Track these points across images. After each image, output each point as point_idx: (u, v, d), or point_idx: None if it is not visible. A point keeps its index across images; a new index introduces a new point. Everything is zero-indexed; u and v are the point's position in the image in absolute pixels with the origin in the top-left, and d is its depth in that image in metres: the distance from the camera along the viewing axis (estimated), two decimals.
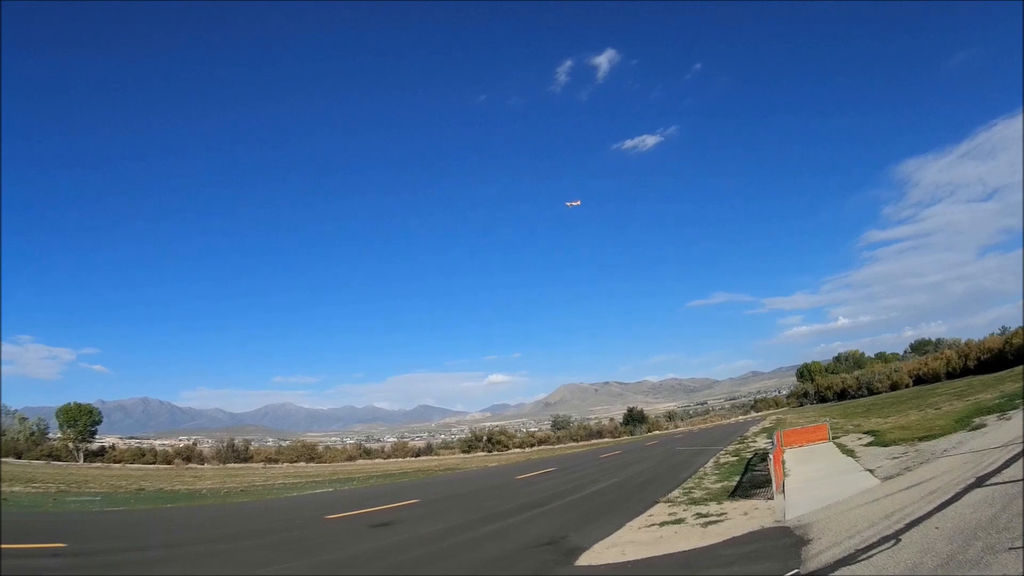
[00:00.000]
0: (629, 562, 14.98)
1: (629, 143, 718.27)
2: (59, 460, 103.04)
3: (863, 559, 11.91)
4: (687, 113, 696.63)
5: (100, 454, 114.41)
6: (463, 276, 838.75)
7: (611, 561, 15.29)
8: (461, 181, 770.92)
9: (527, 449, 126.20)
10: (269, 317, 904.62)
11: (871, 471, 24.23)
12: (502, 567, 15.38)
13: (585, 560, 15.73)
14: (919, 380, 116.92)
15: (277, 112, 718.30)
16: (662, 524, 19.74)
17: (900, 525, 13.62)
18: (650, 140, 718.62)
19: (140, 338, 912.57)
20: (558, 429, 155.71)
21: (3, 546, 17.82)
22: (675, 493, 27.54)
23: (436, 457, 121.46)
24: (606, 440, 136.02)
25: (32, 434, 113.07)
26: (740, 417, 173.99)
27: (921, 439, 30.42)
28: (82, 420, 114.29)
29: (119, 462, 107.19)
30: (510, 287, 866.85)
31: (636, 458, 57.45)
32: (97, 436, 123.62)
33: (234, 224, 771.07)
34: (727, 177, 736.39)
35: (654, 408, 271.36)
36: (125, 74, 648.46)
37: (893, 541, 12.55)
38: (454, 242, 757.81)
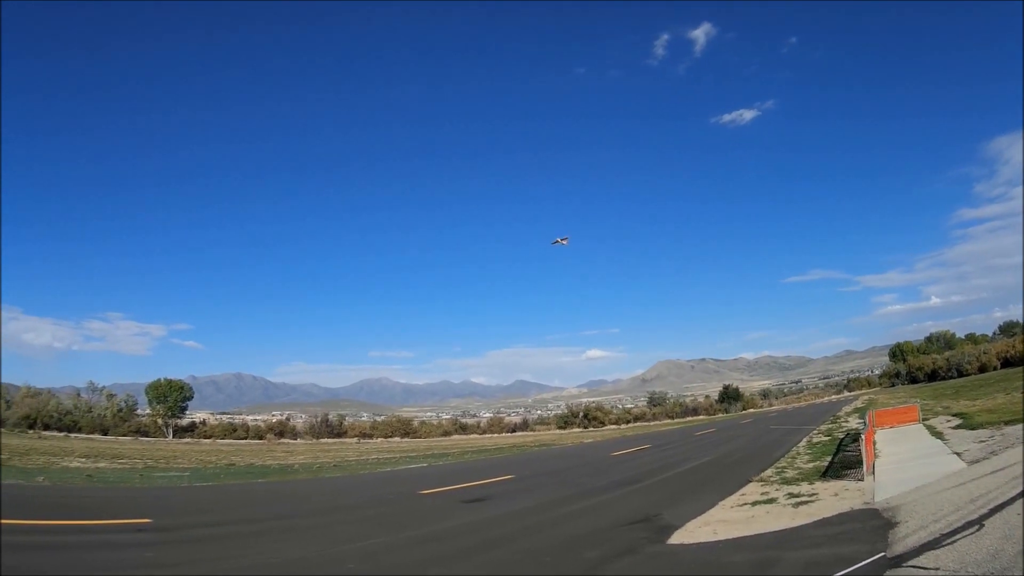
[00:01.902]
0: (720, 541, 15.07)
1: (727, 117, 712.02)
2: (147, 436, 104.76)
3: (947, 544, 11.97)
4: (783, 87, 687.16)
5: (190, 430, 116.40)
6: (564, 249, 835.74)
7: (702, 540, 15.35)
8: (559, 154, 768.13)
9: (623, 426, 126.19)
10: (367, 292, 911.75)
11: (958, 454, 24.17)
12: (594, 543, 15.42)
13: (677, 538, 15.79)
14: (1006, 363, 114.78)
15: (388, 96, 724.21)
16: (754, 503, 19.85)
17: (984, 510, 13.64)
18: (747, 114, 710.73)
19: (234, 314, 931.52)
20: (654, 406, 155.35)
21: (85, 522, 18.19)
22: (768, 472, 27.57)
23: (532, 433, 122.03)
24: (701, 418, 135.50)
25: (120, 410, 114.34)
26: (833, 396, 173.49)
27: (1007, 423, 30.09)
28: (172, 396, 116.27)
29: (209, 437, 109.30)
30: (609, 260, 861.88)
31: (730, 436, 57.71)
32: (188, 412, 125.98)
33: (331, 200, 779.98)
34: (822, 152, 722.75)
35: (749, 386, 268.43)
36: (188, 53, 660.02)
37: (976, 527, 12.57)
38: (554, 215, 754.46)
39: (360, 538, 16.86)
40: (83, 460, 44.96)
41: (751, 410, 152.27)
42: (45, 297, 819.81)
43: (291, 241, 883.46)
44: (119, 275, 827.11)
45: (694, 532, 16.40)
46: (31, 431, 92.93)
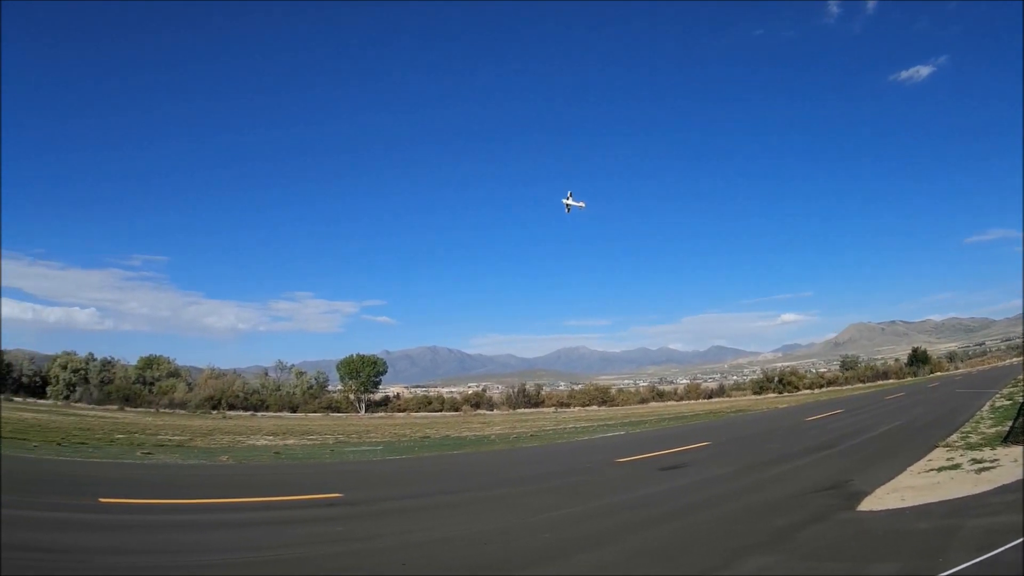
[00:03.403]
0: (907, 508, 14.82)
1: (904, 74, 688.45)
2: (339, 412, 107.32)
3: None
4: (954, 41, 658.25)
5: (383, 404, 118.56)
6: (756, 213, 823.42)
7: (890, 507, 15.13)
8: (743, 114, 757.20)
9: (816, 390, 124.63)
10: (562, 262, 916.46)
11: None
12: (785, 510, 15.40)
13: (866, 505, 15.62)
14: None
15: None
16: (939, 469, 19.36)
17: None
18: (923, 70, 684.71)
19: (427, 289, 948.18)
20: (846, 370, 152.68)
21: (277, 498, 18.50)
22: (953, 437, 26.92)
23: (727, 399, 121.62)
24: (891, 381, 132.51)
25: (310, 387, 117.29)
26: (1015, 359, 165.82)
27: None
28: (365, 371, 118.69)
29: (403, 411, 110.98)
30: (799, 223, 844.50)
31: (918, 400, 56.78)
32: (381, 386, 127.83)
33: (526, 168, 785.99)
34: (998, 105, 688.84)
35: (936, 348, 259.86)
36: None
37: None
38: (744, 176, 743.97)
39: (556, 507, 16.92)
40: (271, 438, 46.33)
41: (938, 373, 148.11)
42: (228, 281, 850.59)
43: (482, 212, 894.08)
44: (311, 255, 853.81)
45: (883, 499, 16.19)
46: (215, 411, 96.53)
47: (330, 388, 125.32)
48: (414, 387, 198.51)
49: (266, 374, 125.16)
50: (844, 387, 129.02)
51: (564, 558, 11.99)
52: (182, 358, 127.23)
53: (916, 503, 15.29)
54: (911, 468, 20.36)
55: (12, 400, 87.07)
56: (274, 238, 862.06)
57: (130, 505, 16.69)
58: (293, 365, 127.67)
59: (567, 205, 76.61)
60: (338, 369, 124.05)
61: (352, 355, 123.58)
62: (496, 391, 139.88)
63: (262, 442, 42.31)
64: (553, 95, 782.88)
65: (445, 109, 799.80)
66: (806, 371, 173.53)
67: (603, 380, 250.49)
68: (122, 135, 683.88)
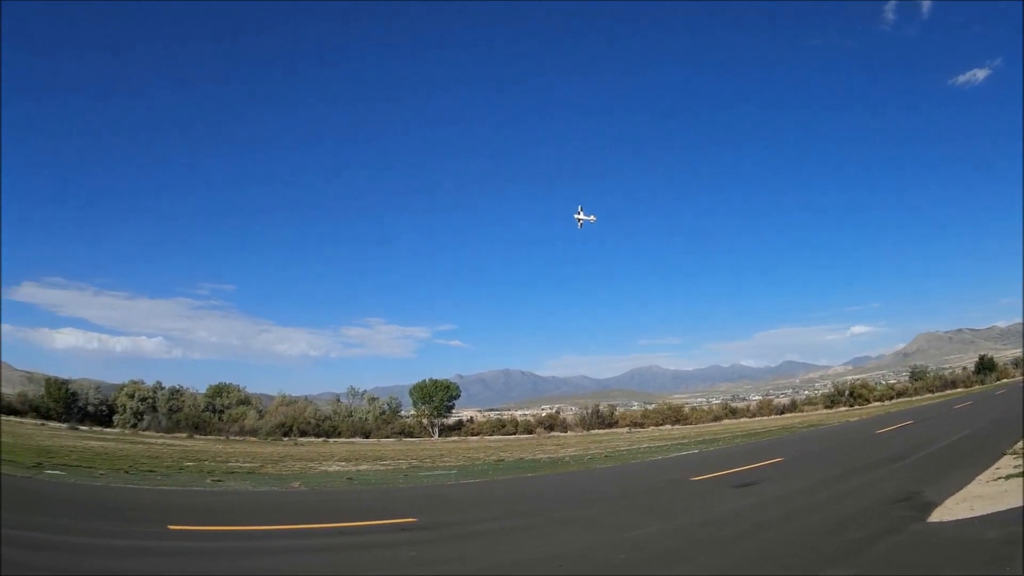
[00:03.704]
0: (977, 517, 14.69)
1: (961, 78, 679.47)
2: (412, 436, 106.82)
3: None
4: (1007, 43, 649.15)
5: (457, 428, 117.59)
6: (823, 224, 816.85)
7: (961, 517, 15.04)
8: (808, 126, 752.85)
9: (886, 402, 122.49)
10: (635, 281, 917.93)
11: None
12: (859, 524, 15.27)
13: (937, 516, 15.52)
14: None
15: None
16: (1007, 477, 19.11)
17: None
18: (980, 73, 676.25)
19: (499, 313, 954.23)
20: (915, 380, 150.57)
21: (350, 524, 18.41)
22: (1020, 444, 26.61)
23: (799, 413, 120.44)
24: (959, 390, 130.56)
25: (383, 413, 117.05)
26: None
27: None
28: (438, 395, 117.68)
29: (477, 434, 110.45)
30: (866, 233, 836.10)
31: (986, 408, 56.96)
32: (454, 410, 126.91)
33: (598, 196, 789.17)
34: None
35: (1002, 355, 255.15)
36: None
37: None
38: (807, 189, 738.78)
39: (631, 527, 16.83)
40: (343, 463, 46.27)
41: (1004, 380, 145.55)
42: (298, 308, 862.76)
43: (553, 239, 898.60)
44: (381, 283, 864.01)
45: (952, 509, 16.07)
46: (286, 438, 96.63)
47: (403, 413, 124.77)
48: (488, 410, 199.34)
49: (338, 400, 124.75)
50: (913, 398, 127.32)
51: None
52: (252, 386, 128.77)
53: (985, 512, 15.17)
54: (980, 477, 20.26)
55: (77, 429, 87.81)
56: (345, 265, 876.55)
57: (200, 532, 16.83)
58: (365, 391, 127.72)
59: (579, 220, 76.81)
60: (411, 394, 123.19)
61: (425, 380, 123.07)
62: (570, 412, 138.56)
63: (335, 468, 42.34)
64: (632, 117, 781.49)
65: (506, 137, 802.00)
66: (876, 383, 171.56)
67: (676, 399, 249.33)
68: (189, 169, 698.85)
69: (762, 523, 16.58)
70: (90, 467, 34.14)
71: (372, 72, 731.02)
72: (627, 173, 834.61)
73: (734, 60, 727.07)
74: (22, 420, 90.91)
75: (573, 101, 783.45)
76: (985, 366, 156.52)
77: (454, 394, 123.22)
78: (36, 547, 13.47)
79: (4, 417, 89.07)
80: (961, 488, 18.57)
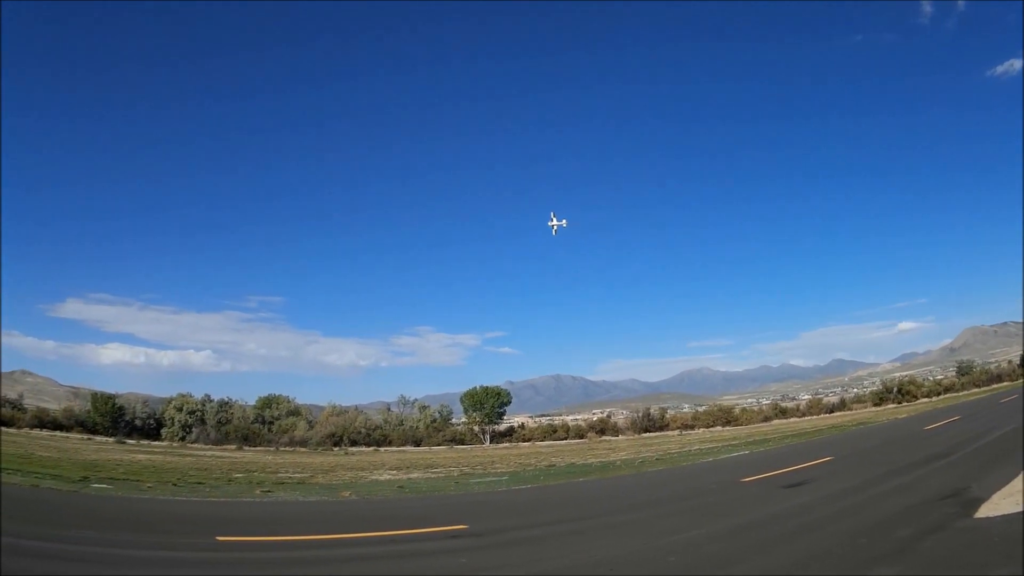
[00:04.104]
0: (1022, 512, 14.54)
1: (999, 68, 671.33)
2: (463, 444, 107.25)
3: None
4: None
5: (508, 434, 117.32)
6: (870, 222, 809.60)
7: (1007, 512, 14.92)
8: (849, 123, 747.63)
9: (934, 398, 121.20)
10: (683, 281, 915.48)
11: None
12: (906, 521, 15.15)
13: (983, 511, 15.38)
14: None
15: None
16: None
17: None
18: (1017, 63, 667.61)
19: (549, 319, 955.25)
20: (962, 375, 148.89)
21: (400, 531, 18.37)
22: None
23: (848, 412, 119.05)
24: (1004, 384, 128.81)
25: (434, 421, 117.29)
26: None
27: None
28: (489, 402, 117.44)
29: (528, 440, 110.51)
30: (909, 226, 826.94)
31: None
32: (505, 416, 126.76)
33: (645, 196, 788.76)
34: None
35: None
36: None
37: None
38: (854, 188, 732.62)
39: (682, 530, 16.74)
40: (394, 472, 46.35)
41: None
42: (346, 319, 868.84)
43: (604, 243, 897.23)
44: (429, 292, 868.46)
45: (999, 504, 15.93)
46: (336, 448, 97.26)
47: (454, 421, 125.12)
48: (539, 416, 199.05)
49: (388, 409, 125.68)
50: (960, 393, 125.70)
51: None
52: (302, 397, 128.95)
53: None
54: None
55: (124, 442, 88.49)
56: (394, 275, 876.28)
57: (248, 543, 16.88)
58: (416, 399, 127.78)
59: (553, 227, 77.50)
60: (462, 401, 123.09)
61: (475, 387, 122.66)
62: (621, 416, 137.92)
63: (385, 476, 42.49)
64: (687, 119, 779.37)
65: (549, 138, 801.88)
66: (923, 379, 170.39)
67: (726, 400, 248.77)
68: (234, 182, 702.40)
69: (810, 523, 16.55)
70: (137, 480, 34.38)
71: (413, 82, 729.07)
72: (673, 179, 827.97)
73: (792, 55, 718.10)
74: (68, 435, 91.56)
75: (624, 104, 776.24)
76: None
77: (505, 400, 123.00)
78: (80, 559, 13.52)
79: (49, 432, 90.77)
80: (1008, 482, 18.46)
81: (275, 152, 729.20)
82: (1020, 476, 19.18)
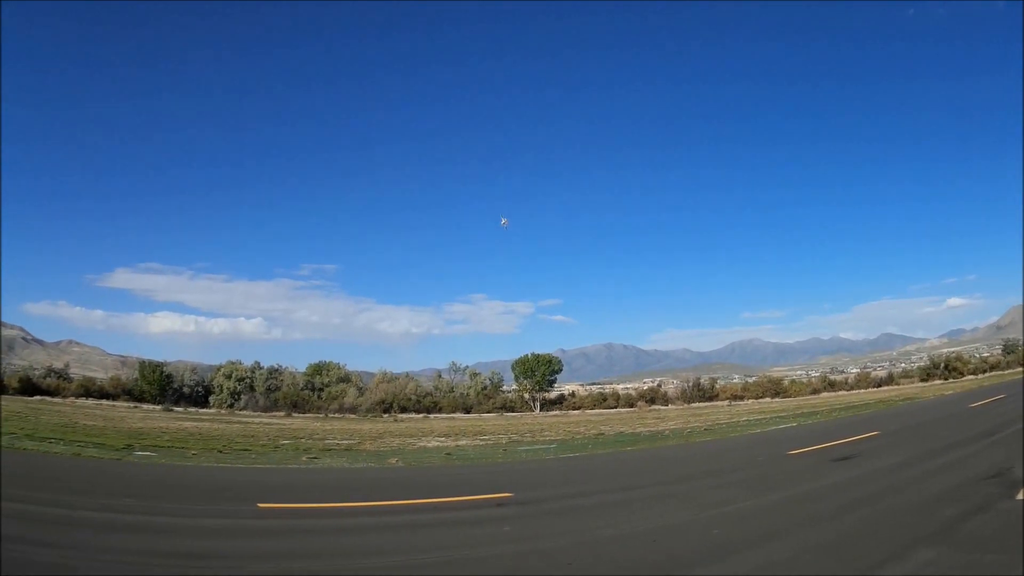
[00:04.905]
0: None
1: None
2: (513, 411, 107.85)
3: None
4: None
5: (558, 402, 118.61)
6: (924, 195, 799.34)
7: None
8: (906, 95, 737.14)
9: (979, 375, 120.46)
10: (738, 252, 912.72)
11: None
12: (951, 500, 14.87)
13: None
14: None
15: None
16: None
17: None
18: None
19: (604, 287, 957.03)
20: (1007, 354, 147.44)
21: (446, 499, 18.46)
22: None
23: (896, 387, 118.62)
24: None
25: (484, 388, 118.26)
26: None
27: None
28: (540, 370, 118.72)
29: (578, 408, 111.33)
30: (966, 201, 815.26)
31: None
32: (556, 384, 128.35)
33: (703, 166, 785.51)
34: None
35: None
36: None
37: None
38: (907, 160, 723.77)
39: (727, 503, 16.58)
40: (442, 439, 46.51)
41: None
42: (400, 286, 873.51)
43: (660, 211, 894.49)
44: (484, 261, 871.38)
45: None
46: (386, 415, 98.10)
47: (504, 388, 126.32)
48: (590, 384, 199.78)
49: (439, 376, 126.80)
50: (1005, 371, 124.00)
51: (733, 555, 11.71)
52: (354, 364, 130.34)
53: None
54: None
55: (172, 410, 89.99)
56: (449, 244, 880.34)
57: (290, 510, 16.94)
58: (467, 366, 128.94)
59: (504, 223, 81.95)
60: (513, 369, 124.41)
61: (527, 354, 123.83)
62: (671, 386, 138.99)
63: (434, 444, 42.55)
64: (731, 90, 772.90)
65: (614, 111, 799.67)
66: (970, 356, 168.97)
67: (776, 372, 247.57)
68: (288, 153, 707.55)
69: (856, 499, 16.31)
70: (183, 448, 34.80)
71: (469, 50, 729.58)
72: (733, 143, 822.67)
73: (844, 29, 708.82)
74: (115, 404, 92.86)
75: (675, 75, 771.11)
76: None
77: (556, 368, 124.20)
78: (118, 529, 13.57)
79: (95, 401, 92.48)
80: None
81: (330, 120, 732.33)
82: None
